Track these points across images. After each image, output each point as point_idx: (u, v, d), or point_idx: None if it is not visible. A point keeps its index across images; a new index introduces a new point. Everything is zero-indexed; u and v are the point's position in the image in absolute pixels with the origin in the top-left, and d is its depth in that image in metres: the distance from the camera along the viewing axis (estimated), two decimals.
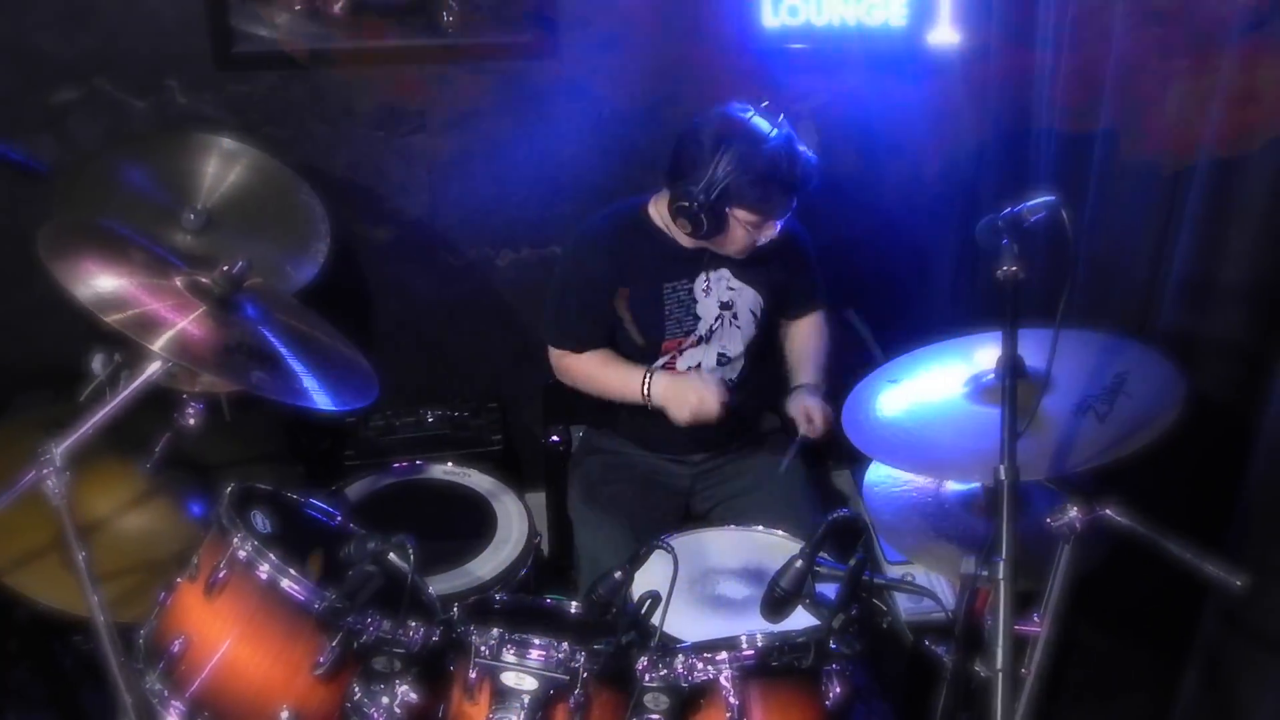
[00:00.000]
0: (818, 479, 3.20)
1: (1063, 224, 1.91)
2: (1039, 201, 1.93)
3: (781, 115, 2.80)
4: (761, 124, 2.75)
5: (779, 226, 2.85)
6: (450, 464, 3.12)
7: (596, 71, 3.34)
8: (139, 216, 2.85)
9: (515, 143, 3.39)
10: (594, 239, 3.00)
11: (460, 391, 3.61)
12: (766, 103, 2.82)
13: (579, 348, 3.05)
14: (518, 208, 3.49)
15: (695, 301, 2.97)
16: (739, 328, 3.00)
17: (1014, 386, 1.85)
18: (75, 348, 2.44)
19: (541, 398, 3.58)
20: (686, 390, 2.88)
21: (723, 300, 2.98)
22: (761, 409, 3.15)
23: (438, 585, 2.56)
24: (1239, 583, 1.80)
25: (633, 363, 3.00)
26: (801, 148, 2.78)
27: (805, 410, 2.97)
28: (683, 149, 2.79)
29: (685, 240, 2.89)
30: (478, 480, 3.05)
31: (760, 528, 2.79)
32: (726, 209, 2.77)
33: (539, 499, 3.41)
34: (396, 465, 3.12)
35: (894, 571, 2.98)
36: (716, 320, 2.98)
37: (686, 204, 2.75)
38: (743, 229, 2.81)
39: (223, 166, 3.01)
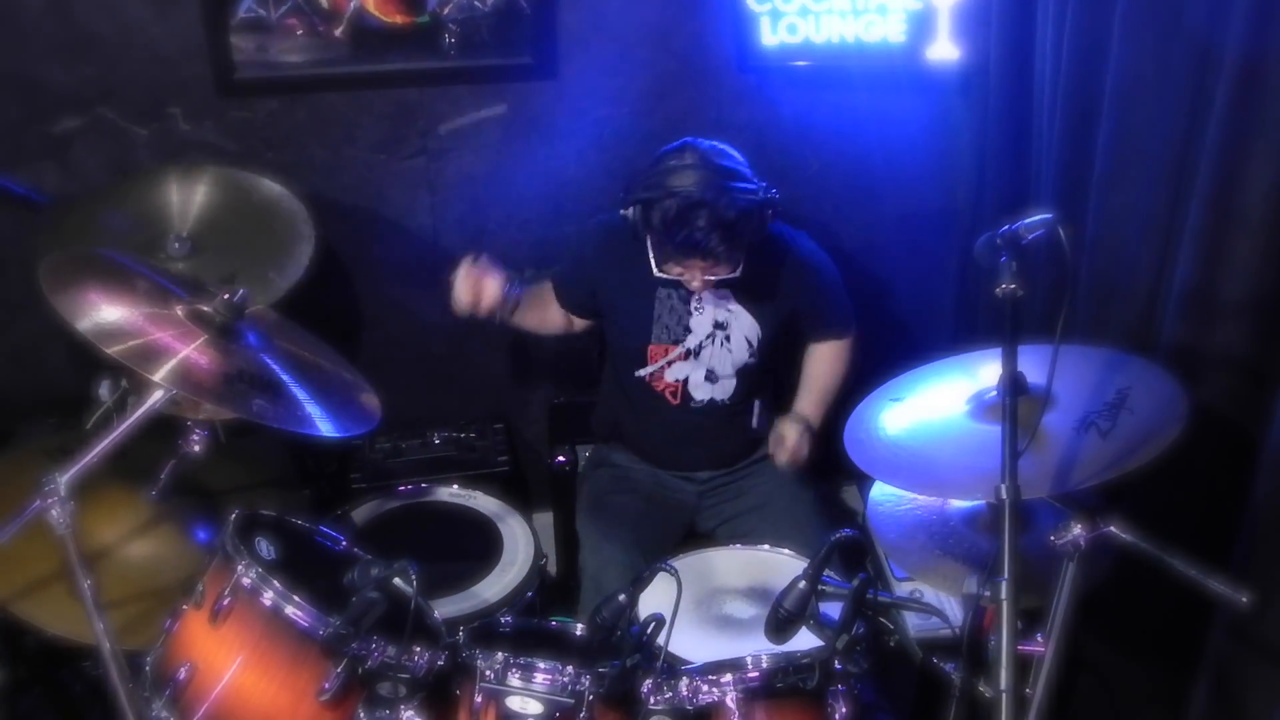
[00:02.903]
0: (826, 495, 3.19)
1: (1060, 242, 1.91)
2: (1036, 219, 1.93)
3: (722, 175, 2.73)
4: (696, 174, 2.68)
5: (699, 278, 2.79)
6: (456, 486, 3.12)
7: (597, 92, 3.35)
8: (129, 251, 2.87)
9: (517, 164, 3.39)
10: (599, 231, 3.03)
11: (466, 413, 3.61)
12: (741, 158, 2.78)
13: (560, 302, 3.12)
14: (520, 229, 3.50)
15: (689, 313, 2.96)
16: (730, 350, 2.98)
17: (1015, 404, 1.85)
18: (79, 377, 2.46)
19: (547, 418, 3.58)
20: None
21: (717, 320, 2.96)
22: (767, 428, 3.14)
23: (444, 609, 2.56)
24: (1244, 599, 1.79)
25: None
26: (730, 214, 2.66)
27: (780, 436, 2.98)
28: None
29: None
30: (483, 502, 3.06)
31: (766, 546, 2.78)
32: (641, 227, 2.78)
33: (546, 519, 3.41)
34: (402, 488, 3.12)
35: (903, 589, 2.97)
36: (708, 337, 2.97)
37: (621, 208, 2.80)
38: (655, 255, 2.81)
39: (185, 192, 3.04)
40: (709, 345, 2.97)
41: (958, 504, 2.34)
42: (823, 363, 3.12)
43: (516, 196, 3.43)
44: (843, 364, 3.13)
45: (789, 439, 2.96)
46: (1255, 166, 2.24)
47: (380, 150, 3.36)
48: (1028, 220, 1.93)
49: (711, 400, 3.02)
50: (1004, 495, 1.77)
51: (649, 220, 2.73)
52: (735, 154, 2.78)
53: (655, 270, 2.82)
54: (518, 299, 2.96)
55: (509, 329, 3.11)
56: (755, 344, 2.98)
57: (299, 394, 2.22)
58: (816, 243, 3.07)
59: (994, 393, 2.12)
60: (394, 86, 3.30)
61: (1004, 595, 1.72)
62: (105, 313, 2.10)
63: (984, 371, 2.25)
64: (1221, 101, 2.28)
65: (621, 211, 2.79)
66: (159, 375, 2.02)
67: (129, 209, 3.00)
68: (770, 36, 3.27)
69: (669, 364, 2.99)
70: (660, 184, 2.70)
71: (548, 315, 3.13)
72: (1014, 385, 1.88)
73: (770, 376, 3.11)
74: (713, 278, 2.80)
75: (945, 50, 3.27)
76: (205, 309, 2.21)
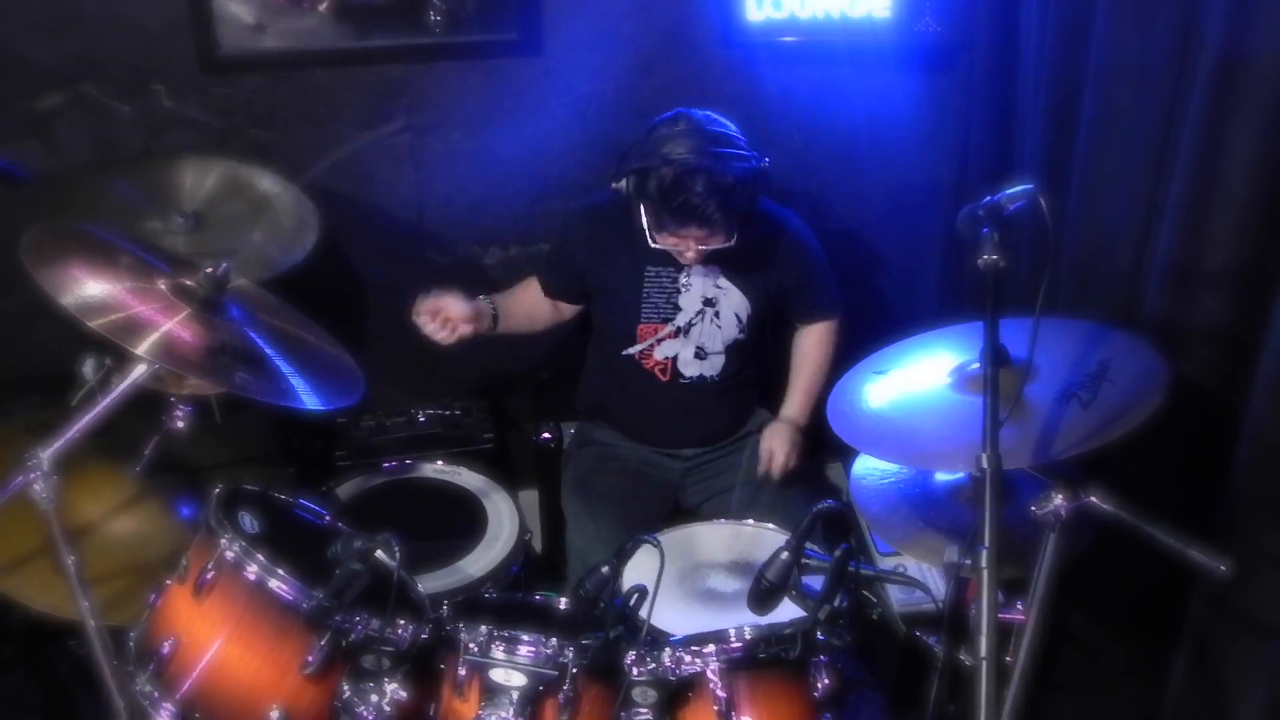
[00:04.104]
0: (810, 472, 3.20)
1: (1041, 212, 1.91)
2: (1017, 190, 1.93)
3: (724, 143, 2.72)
4: (691, 141, 2.68)
5: (694, 248, 2.79)
6: (440, 462, 3.12)
7: (582, 67, 3.34)
8: (129, 221, 2.87)
9: (502, 140, 3.39)
10: (584, 214, 3.02)
11: (451, 390, 3.61)
12: (733, 127, 2.77)
13: (548, 292, 3.13)
14: (505, 205, 3.49)
15: (678, 291, 2.96)
16: (719, 327, 2.98)
17: (996, 375, 1.86)
18: (63, 353, 2.44)
19: (532, 395, 3.58)
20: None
21: (706, 296, 2.96)
22: (752, 405, 3.15)
23: (429, 584, 2.56)
24: (1223, 568, 1.80)
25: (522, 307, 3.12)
26: (727, 180, 2.66)
27: (769, 452, 2.99)
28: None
29: None
30: (468, 478, 3.05)
31: (751, 521, 2.79)
32: (635, 198, 2.76)
33: (532, 495, 3.42)
34: (387, 464, 3.12)
35: (886, 563, 2.98)
36: (697, 315, 2.97)
37: (614, 180, 2.78)
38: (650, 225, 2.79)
39: (200, 177, 3.05)
40: (699, 322, 2.97)
41: (941, 476, 2.35)
42: (811, 347, 3.12)
43: (501, 172, 3.42)
44: (830, 347, 3.13)
45: (778, 454, 2.97)
46: (1236, 141, 2.24)
47: (365, 127, 3.34)
48: (1009, 191, 1.93)
49: (701, 376, 3.03)
50: (985, 465, 1.78)
51: (644, 189, 2.71)
52: (728, 123, 2.78)
53: (650, 241, 2.80)
54: (494, 309, 2.97)
55: (500, 337, 3.09)
56: (745, 320, 2.98)
57: (282, 367, 2.21)
58: (804, 222, 3.07)
59: (976, 364, 2.13)
60: (378, 63, 3.29)
61: (984, 564, 1.72)
62: (88, 287, 2.09)
63: (967, 344, 2.25)
64: (1203, 77, 2.28)
65: (614, 184, 2.78)
66: (142, 349, 2.02)
67: (142, 182, 3.01)
68: (755, 12, 3.26)
69: (659, 342, 3.00)
70: (655, 152, 2.69)
71: (535, 312, 3.13)
72: (995, 356, 1.88)
73: (760, 353, 3.11)
74: (707, 248, 2.79)
75: (930, 26, 3.26)
76: (188, 283, 2.21)
